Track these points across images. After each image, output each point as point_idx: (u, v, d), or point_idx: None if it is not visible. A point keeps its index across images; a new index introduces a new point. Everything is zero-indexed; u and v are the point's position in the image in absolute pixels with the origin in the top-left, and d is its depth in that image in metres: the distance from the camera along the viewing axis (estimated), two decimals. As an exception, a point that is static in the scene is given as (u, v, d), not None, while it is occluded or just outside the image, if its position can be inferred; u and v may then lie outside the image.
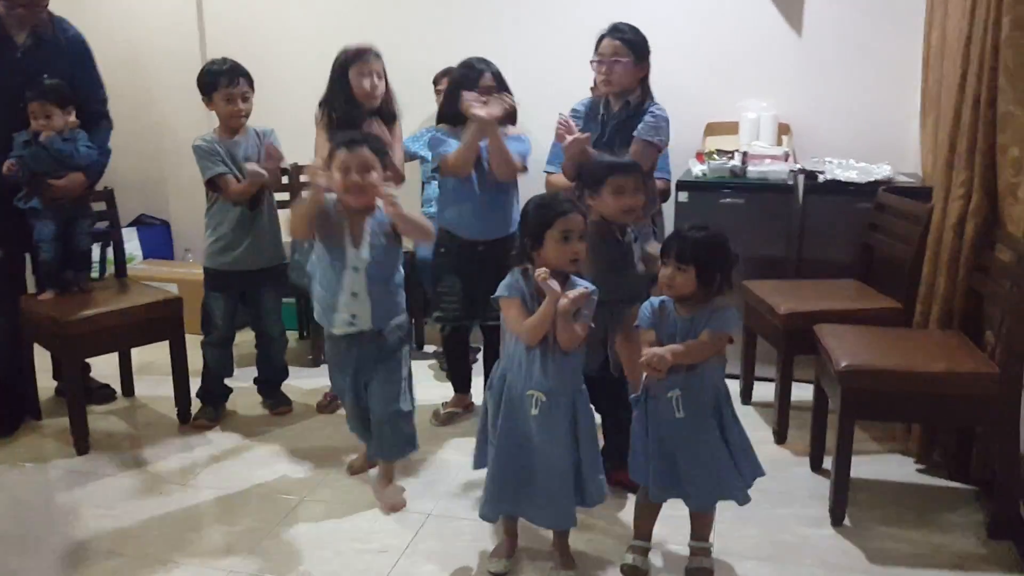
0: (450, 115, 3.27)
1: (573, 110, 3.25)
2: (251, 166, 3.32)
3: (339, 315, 2.78)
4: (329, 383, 3.13)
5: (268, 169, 3.34)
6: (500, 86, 3.21)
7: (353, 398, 2.92)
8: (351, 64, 3.27)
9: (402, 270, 2.89)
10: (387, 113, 3.38)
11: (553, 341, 2.34)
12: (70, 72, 3.36)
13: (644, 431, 2.44)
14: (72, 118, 3.31)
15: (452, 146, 3.22)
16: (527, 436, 2.39)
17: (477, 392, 3.49)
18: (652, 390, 2.40)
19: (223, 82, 3.32)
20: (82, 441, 3.27)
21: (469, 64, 3.25)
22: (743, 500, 2.43)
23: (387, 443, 2.88)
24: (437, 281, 3.41)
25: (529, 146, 3.30)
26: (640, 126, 3.06)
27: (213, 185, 3.36)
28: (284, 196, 4.17)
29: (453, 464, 3.17)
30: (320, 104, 3.34)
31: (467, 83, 3.19)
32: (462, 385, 3.63)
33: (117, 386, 3.82)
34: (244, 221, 3.40)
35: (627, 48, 3.06)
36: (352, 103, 3.29)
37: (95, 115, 3.50)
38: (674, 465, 2.40)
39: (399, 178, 3.34)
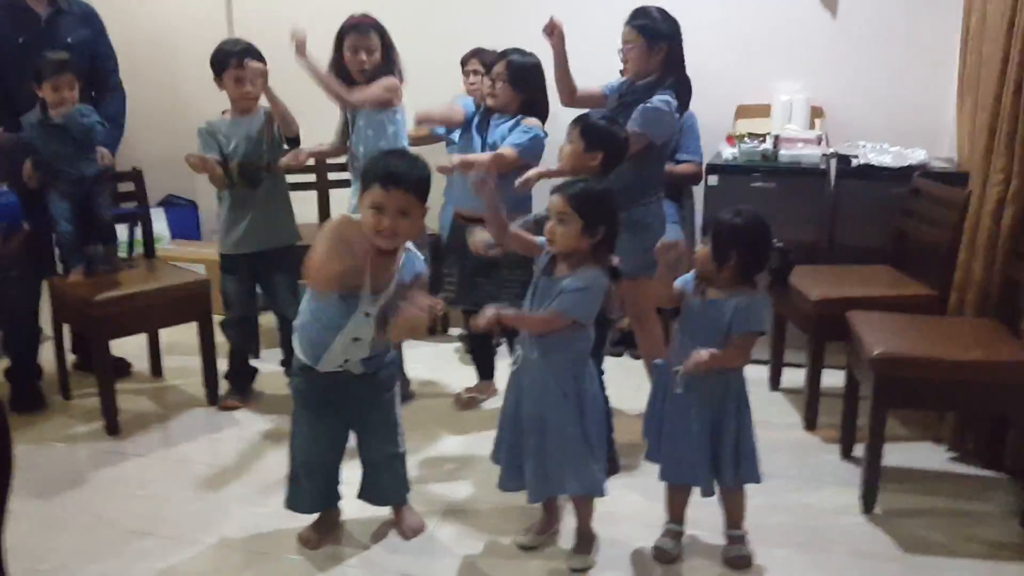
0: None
1: (607, 85, 3.22)
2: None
3: (331, 355, 2.40)
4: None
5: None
6: (511, 75, 3.18)
7: (329, 451, 2.58)
8: (346, 35, 3.27)
9: None
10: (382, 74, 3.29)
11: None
12: (92, 39, 3.39)
13: (655, 396, 2.51)
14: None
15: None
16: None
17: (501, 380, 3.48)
18: (673, 360, 2.42)
19: (233, 63, 3.26)
20: (112, 421, 3.29)
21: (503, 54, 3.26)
22: (704, 492, 2.43)
23: (387, 489, 2.67)
24: (442, 261, 3.40)
25: (529, 138, 3.15)
26: (634, 113, 2.97)
27: None
28: (308, 178, 4.17)
29: (474, 450, 3.13)
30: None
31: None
32: (486, 372, 3.58)
33: (146, 366, 3.84)
34: (243, 200, 3.34)
35: (637, 32, 3.04)
36: (344, 73, 3.27)
37: (111, 84, 3.53)
38: (658, 434, 2.47)
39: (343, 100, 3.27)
